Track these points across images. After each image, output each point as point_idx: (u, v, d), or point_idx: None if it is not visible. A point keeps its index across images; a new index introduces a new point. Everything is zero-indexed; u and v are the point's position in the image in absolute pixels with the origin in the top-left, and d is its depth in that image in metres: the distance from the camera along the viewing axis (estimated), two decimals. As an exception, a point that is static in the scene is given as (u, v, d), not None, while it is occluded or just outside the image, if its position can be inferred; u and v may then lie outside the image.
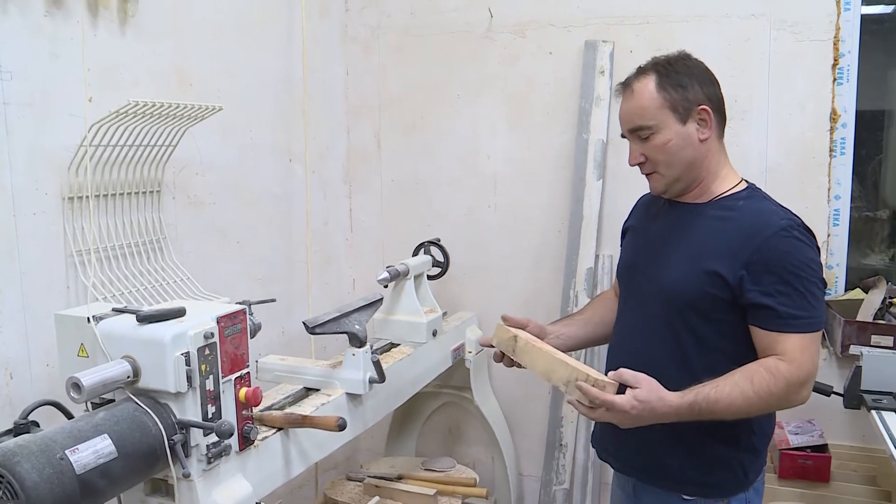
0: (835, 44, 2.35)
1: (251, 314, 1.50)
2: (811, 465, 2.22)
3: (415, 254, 2.52)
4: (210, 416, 1.34)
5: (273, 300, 1.79)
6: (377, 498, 2.29)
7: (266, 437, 1.54)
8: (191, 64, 2.06)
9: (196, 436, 1.32)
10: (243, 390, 1.41)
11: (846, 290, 2.47)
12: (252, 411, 1.46)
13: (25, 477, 1.05)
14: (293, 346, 2.46)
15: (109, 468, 1.17)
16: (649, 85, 1.49)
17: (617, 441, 1.61)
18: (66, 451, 1.11)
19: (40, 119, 1.64)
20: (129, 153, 1.79)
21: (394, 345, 2.24)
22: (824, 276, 1.48)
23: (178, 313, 1.34)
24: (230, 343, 1.38)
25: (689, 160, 1.50)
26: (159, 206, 1.95)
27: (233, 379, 1.40)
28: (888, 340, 2.17)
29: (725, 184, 1.54)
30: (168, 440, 1.27)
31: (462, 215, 2.82)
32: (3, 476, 1.05)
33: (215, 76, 2.17)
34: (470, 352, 2.52)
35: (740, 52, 2.42)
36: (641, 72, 1.52)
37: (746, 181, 1.57)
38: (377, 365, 1.83)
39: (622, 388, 1.39)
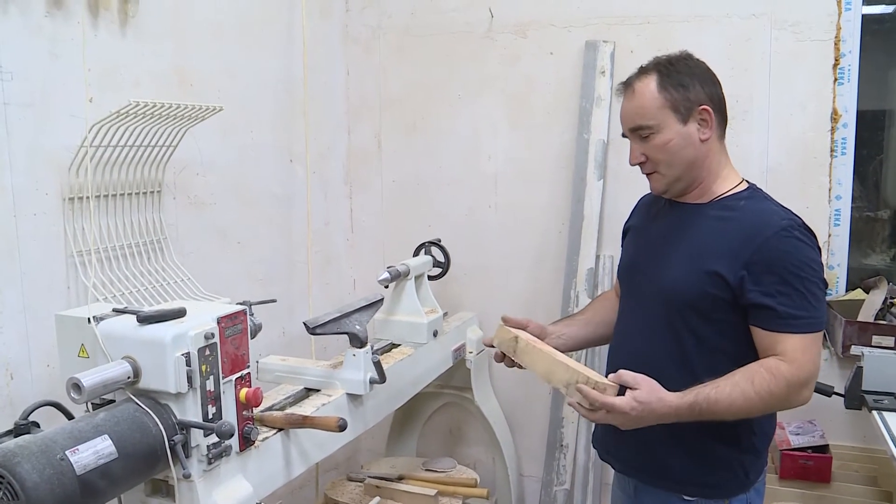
0: (836, 44, 2.35)
1: (252, 314, 1.50)
2: (812, 465, 2.22)
3: (415, 254, 2.51)
4: (210, 416, 1.34)
5: (274, 300, 1.79)
6: (378, 498, 2.29)
7: (266, 438, 1.54)
8: (191, 64, 2.06)
9: (196, 436, 1.32)
10: (244, 391, 1.41)
11: (847, 291, 2.47)
12: (252, 412, 1.46)
13: (26, 478, 1.05)
14: (294, 346, 2.46)
15: (110, 469, 1.17)
16: (650, 84, 1.49)
17: (618, 442, 1.61)
18: (67, 452, 1.11)
19: (41, 119, 1.64)
20: (130, 154, 1.79)
21: (394, 345, 2.24)
22: (825, 276, 1.48)
23: (179, 314, 1.34)
24: (231, 343, 1.38)
25: (689, 160, 1.50)
26: (160, 206, 1.95)
27: (233, 379, 1.40)
28: (889, 341, 2.17)
29: (726, 184, 1.54)
30: (168, 441, 1.27)
31: (463, 215, 2.82)
32: (3, 477, 1.05)
33: (216, 76, 2.17)
34: (471, 352, 2.52)
35: (741, 52, 2.42)
36: (643, 71, 1.52)
37: (747, 181, 1.57)
38: (378, 365, 1.83)
39: (622, 390, 1.39)
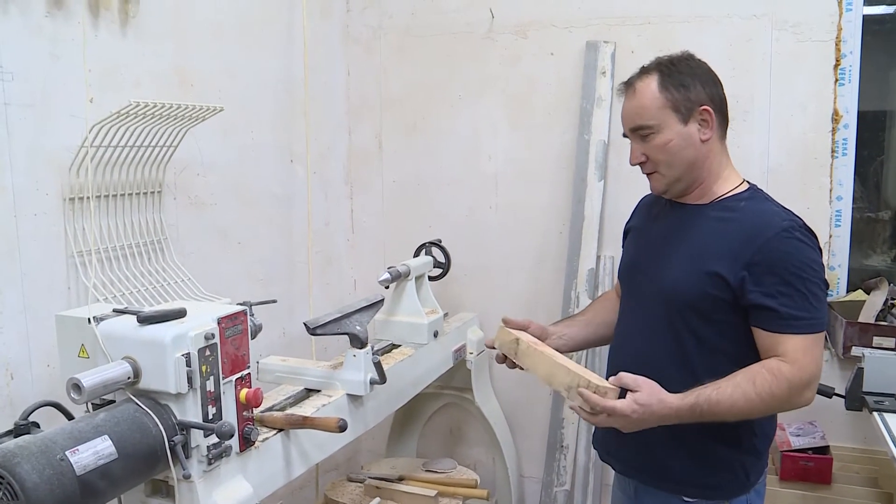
0: (837, 44, 2.34)
1: (252, 315, 1.50)
2: (812, 466, 2.22)
3: (416, 254, 2.51)
4: (211, 417, 1.34)
5: (274, 301, 1.79)
6: (378, 499, 2.29)
7: (267, 438, 1.54)
8: (192, 65, 2.06)
9: (196, 437, 1.32)
10: (244, 391, 1.41)
11: (848, 292, 2.47)
12: (253, 412, 1.46)
13: (26, 478, 1.05)
14: (294, 346, 2.46)
15: (110, 469, 1.17)
16: (651, 84, 1.49)
17: (618, 443, 1.61)
18: (67, 452, 1.11)
19: (41, 120, 1.64)
20: (130, 154, 1.79)
21: (395, 346, 2.24)
22: (826, 277, 1.47)
23: (179, 314, 1.34)
24: (231, 344, 1.38)
25: (689, 160, 1.50)
26: (160, 206, 1.94)
27: (233, 380, 1.40)
28: (890, 342, 2.16)
29: (727, 185, 1.54)
30: (168, 441, 1.27)
31: (463, 216, 2.82)
32: (3, 477, 1.05)
33: (216, 77, 2.17)
34: (471, 353, 2.51)
35: (742, 53, 2.41)
36: (644, 71, 1.52)
37: (748, 182, 1.57)
38: (378, 366, 1.83)
39: (623, 393, 1.39)
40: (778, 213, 1.47)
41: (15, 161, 1.59)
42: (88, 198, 1.71)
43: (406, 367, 2.13)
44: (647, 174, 1.56)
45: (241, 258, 2.32)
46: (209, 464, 1.35)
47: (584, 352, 2.57)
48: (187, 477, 1.29)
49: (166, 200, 1.98)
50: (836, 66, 2.36)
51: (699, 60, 1.54)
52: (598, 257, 2.62)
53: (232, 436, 1.34)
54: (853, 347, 2.21)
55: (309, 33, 2.51)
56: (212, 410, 1.34)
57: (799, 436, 2.30)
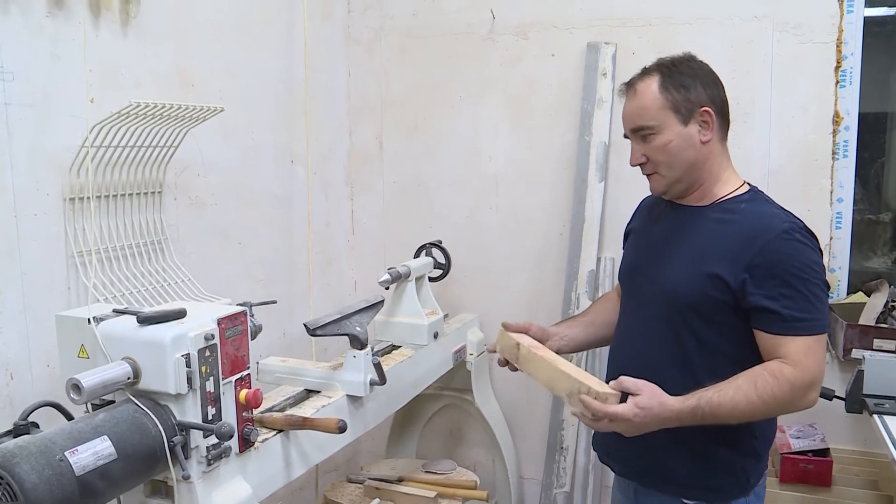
0: (838, 46, 2.34)
1: (252, 316, 1.50)
2: (813, 469, 2.22)
3: (416, 255, 2.51)
4: (210, 417, 1.34)
5: (274, 302, 1.79)
6: (377, 500, 2.29)
7: (266, 439, 1.53)
8: (192, 65, 2.06)
9: (196, 437, 1.32)
10: (244, 392, 1.41)
11: (848, 294, 2.46)
12: (252, 413, 1.46)
13: (25, 478, 1.05)
14: (294, 347, 2.46)
15: (109, 470, 1.16)
16: (652, 85, 1.49)
17: (618, 445, 1.60)
18: (66, 453, 1.11)
19: (42, 120, 1.64)
20: (131, 154, 1.79)
21: (395, 347, 2.23)
22: (827, 279, 1.47)
23: (179, 315, 1.34)
24: (231, 345, 1.38)
25: (690, 161, 1.50)
26: (160, 207, 1.94)
27: (233, 380, 1.39)
28: (890, 344, 2.16)
29: (727, 186, 1.54)
30: (168, 442, 1.27)
31: (464, 217, 2.82)
32: (2, 477, 1.05)
33: (217, 77, 2.17)
34: (471, 354, 2.51)
35: (743, 54, 2.41)
36: (645, 72, 1.52)
37: (749, 184, 1.57)
38: (378, 367, 1.83)
39: (624, 396, 1.38)
40: (778, 214, 1.47)
41: (15, 161, 1.59)
42: (89, 198, 1.71)
43: (406, 368, 2.13)
44: (648, 175, 1.57)
45: (242, 259, 2.32)
46: (209, 464, 1.35)
47: (585, 353, 2.56)
48: (187, 478, 1.29)
49: (167, 201, 1.98)
50: (837, 67, 2.35)
51: (700, 62, 1.54)
52: (599, 259, 2.62)
53: (231, 436, 1.34)
54: (853, 350, 2.21)
55: (310, 34, 2.51)
56: (211, 411, 1.34)
57: (799, 438, 2.30)
